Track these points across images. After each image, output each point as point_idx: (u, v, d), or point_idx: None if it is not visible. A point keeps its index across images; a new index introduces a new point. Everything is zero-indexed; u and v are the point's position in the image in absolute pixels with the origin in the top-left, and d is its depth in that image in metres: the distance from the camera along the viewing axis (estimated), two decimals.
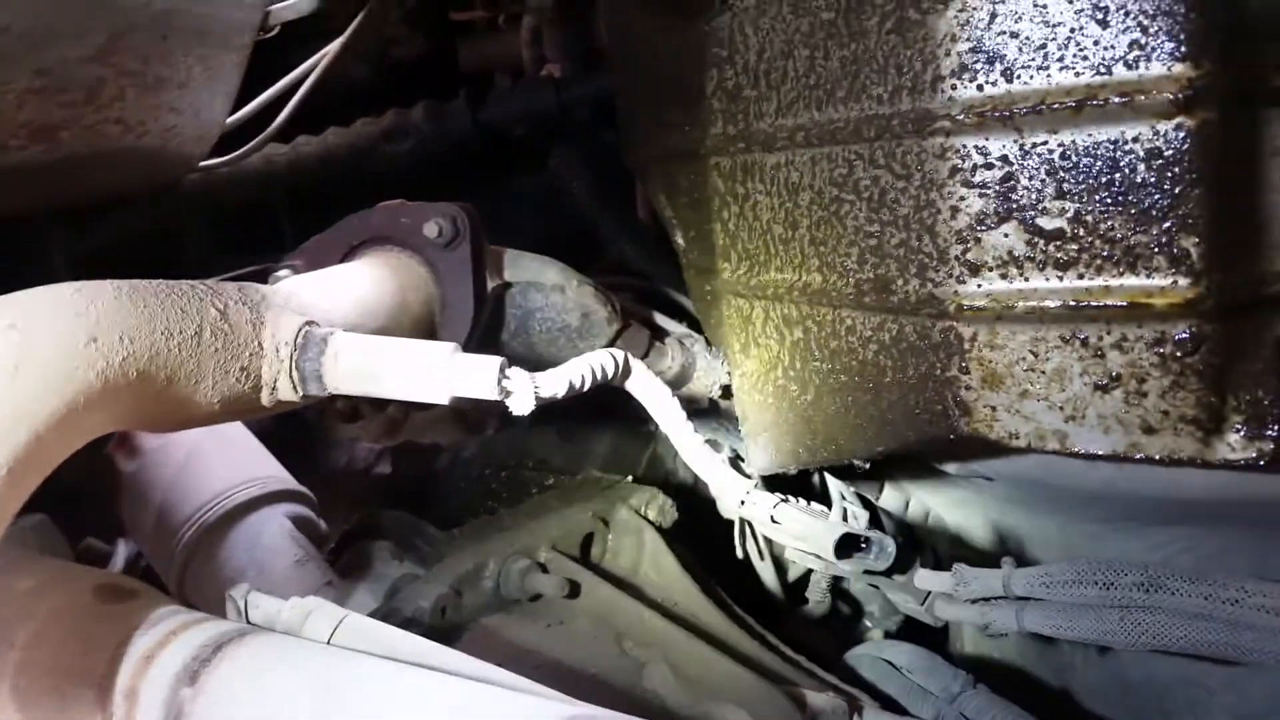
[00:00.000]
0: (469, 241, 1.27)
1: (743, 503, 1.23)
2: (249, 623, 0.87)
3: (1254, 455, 0.83)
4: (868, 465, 1.13)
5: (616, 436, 1.80)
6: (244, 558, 1.30)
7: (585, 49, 1.90)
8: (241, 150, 1.60)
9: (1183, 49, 0.79)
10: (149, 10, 1.00)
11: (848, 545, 1.11)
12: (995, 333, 0.89)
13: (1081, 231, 0.84)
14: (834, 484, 1.46)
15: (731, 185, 1.16)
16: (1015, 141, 0.85)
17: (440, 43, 2.22)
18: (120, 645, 0.81)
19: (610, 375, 1.10)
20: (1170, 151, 0.80)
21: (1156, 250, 0.82)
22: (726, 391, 1.51)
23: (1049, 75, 0.83)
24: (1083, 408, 0.87)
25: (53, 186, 1.24)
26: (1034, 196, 0.85)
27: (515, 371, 0.96)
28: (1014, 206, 0.86)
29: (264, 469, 1.39)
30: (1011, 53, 0.85)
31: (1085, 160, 0.83)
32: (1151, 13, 0.80)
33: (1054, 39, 0.83)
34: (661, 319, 1.65)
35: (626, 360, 1.13)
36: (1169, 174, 0.80)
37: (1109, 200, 0.82)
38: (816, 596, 1.45)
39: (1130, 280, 0.83)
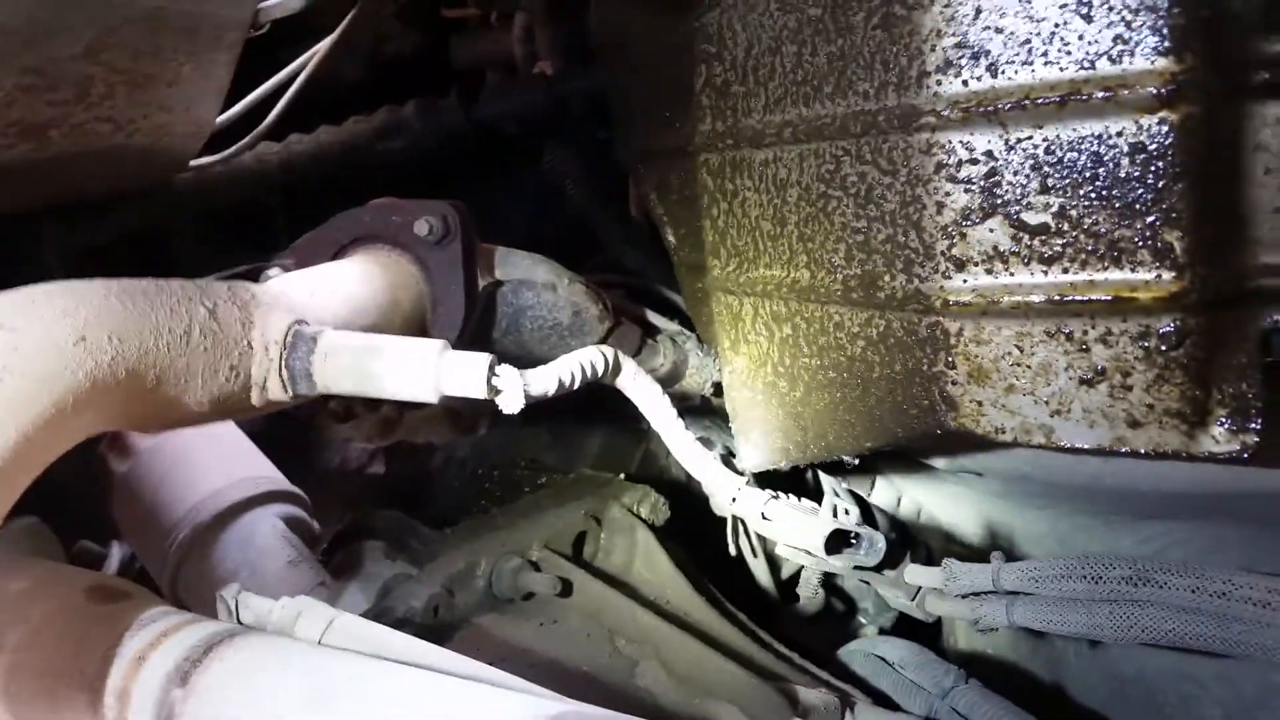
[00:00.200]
0: (460, 239, 1.27)
1: (734, 500, 1.23)
2: (240, 623, 0.87)
3: (1238, 448, 0.84)
4: (857, 461, 1.13)
5: (609, 435, 1.80)
6: (237, 558, 1.30)
7: (577, 46, 1.89)
8: (233, 148, 1.60)
9: (1166, 44, 0.79)
10: (138, 8, 1.00)
11: (838, 541, 1.12)
12: (981, 328, 0.89)
13: (1066, 226, 0.84)
14: (826, 480, 1.46)
15: (720, 182, 1.17)
16: (1000, 136, 0.85)
17: (433, 40, 2.22)
18: (112, 646, 0.81)
19: (600, 372, 1.10)
20: (1154, 146, 0.80)
21: (1141, 244, 0.82)
22: (719, 389, 1.51)
23: (1033, 70, 0.84)
24: (1068, 402, 0.87)
25: (43, 185, 1.24)
26: (1019, 191, 0.85)
27: (505, 369, 0.96)
28: (999, 201, 0.86)
29: (256, 469, 1.39)
30: (996, 48, 0.85)
31: (1069, 155, 0.83)
32: (1135, 8, 0.80)
33: (1038, 34, 0.84)
34: (654, 316, 1.65)
35: (617, 357, 1.13)
36: (1153, 168, 0.81)
37: (1093, 195, 0.83)
38: (808, 592, 1.45)
39: (1114, 274, 0.83)
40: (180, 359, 0.87)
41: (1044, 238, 0.85)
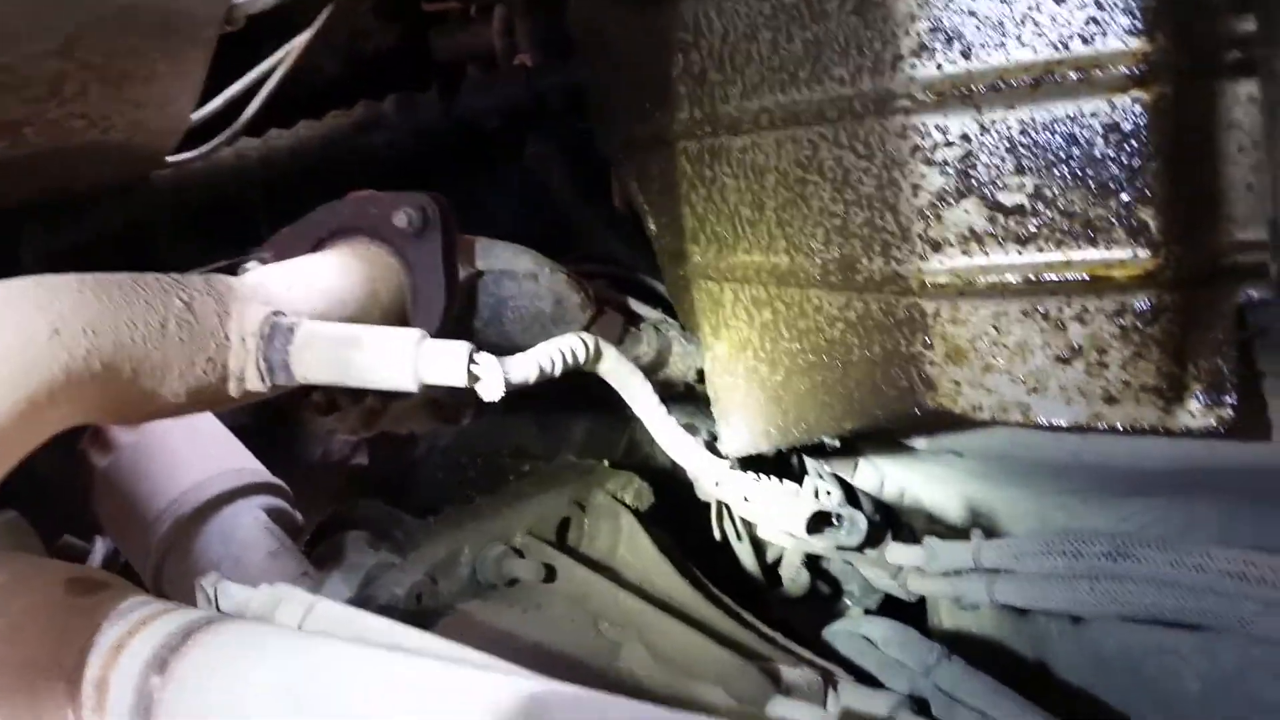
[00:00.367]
0: (439, 230, 1.27)
1: (717, 484, 1.24)
2: (220, 611, 0.87)
3: (1214, 423, 0.84)
4: (838, 443, 1.14)
5: (594, 423, 1.80)
6: (219, 551, 1.30)
7: (558, 38, 1.89)
8: (211, 144, 1.59)
9: (1138, 24, 0.80)
10: (111, 4, 1.00)
11: (820, 522, 1.12)
12: (958, 308, 0.90)
13: (1041, 206, 0.85)
14: (809, 464, 1.47)
15: (699, 169, 1.17)
16: (974, 119, 0.86)
17: (413, 34, 2.21)
18: (91, 637, 0.81)
19: (581, 359, 1.10)
20: (1127, 125, 0.81)
21: (1115, 223, 0.82)
22: (703, 376, 1.52)
23: (1007, 52, 0.84)
24: (1045, 380, 0.88)
25: (19, 182, 1.23)
26: (994, 173, 0.86)
27: (484, 356, 0.96)
28: (974, 183, 0.87)
29: (238, 462, 1.39)
30: (970, 31, 0.85)
31: (1044, 136, 0.84)
32: None
33: (1011, 16, 0.84)
34: (637, 305, 1.65)
35: (597, 344, 1.13)
36: (1126, 147, 0.81)
37: (1068, 175, 0.83)
38: (790, 574, 1.45)
39: (1090, 253, 0.84)
40: (156, 351, 0.87)
41: (1019, 218, 0.86)
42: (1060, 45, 0.82)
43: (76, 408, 0.84)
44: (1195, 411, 0.85)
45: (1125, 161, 0.81)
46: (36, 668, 0.81)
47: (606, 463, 1.60)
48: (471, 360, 0.94)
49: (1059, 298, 0.86)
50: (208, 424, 1.43)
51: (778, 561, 1.61)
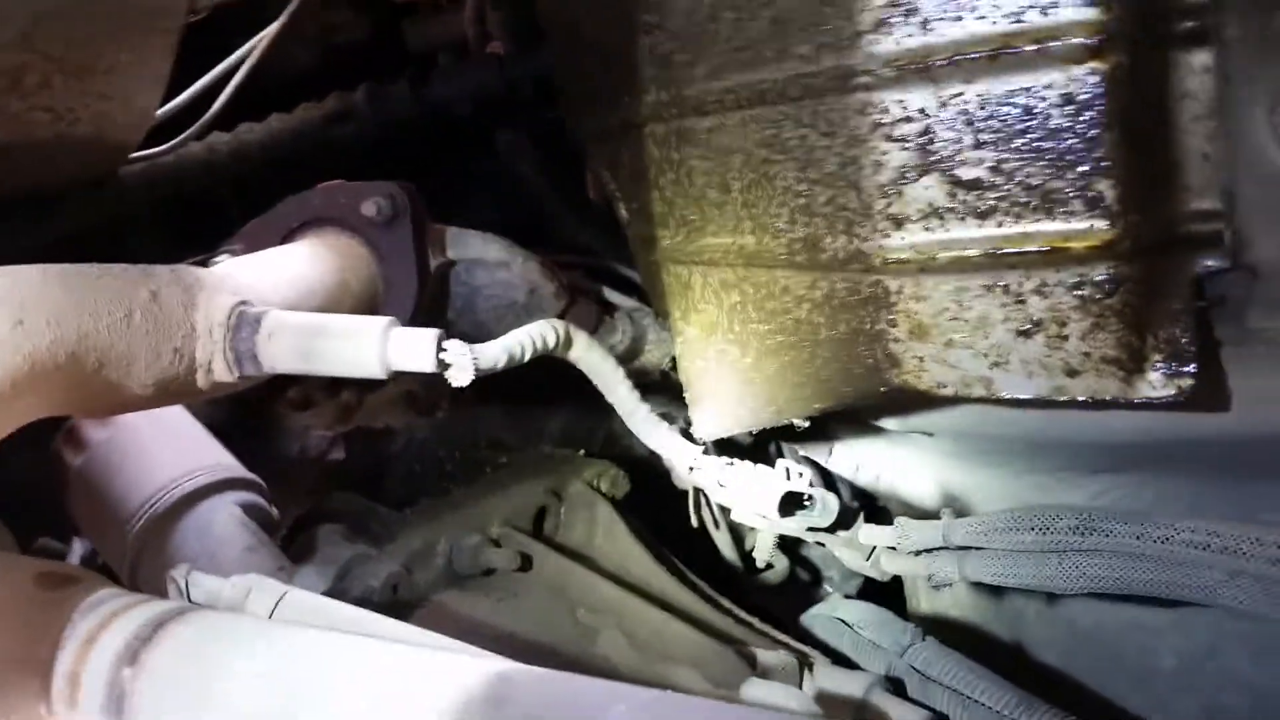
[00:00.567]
0: (409, 219, 1.27)
1: (691, 469, 1.24)
2: (191, 602, 0.87)
3: (1174, 392, 0.85)
4: (807, 424, 1.14)
5: (572, 414, 1.80)
6: (195, 547, 1.29)
7: (529, 26, 1.88)
8: (180, 137, 1.59)
9: None
10: None
11: (791, 503, 1.13)
12: (920, 284, 0.90)
13: (999, 180, 0.85)
14: (784, 447, 1.47)
15: (667, 152, 1.17)
16: (933, 94, 0.86)
17: (385, 25, 2.20)
18: (62, 630, 0.81)
19: (551, 345, 1.10)
20: (1083, 96, 0.81)
21: (1073, 195, 0.83)
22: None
23: (964, 25, 0.84)
24: (1006, 354, 0.89)
25: None
26: (953, 148, 0.86)
27: (453, 343, 0.96)
28: (934, 158, 0.87)
29: (213, 458, 1.38)
30: (927, 5, 0.85)
31: (1001, 109, 0.84)
32: None
33: None
34: (611, 293, 1.65)
35: (568, 331, 1.14)
36: (1083, 119, 0.82)
37: (1025, 148, 0.84)
38: (764, 555, 1.46)
39: (1048, 225, 0.84)
40: (122, 342, 0.87)
41: (979, 192, 0.86)
42: (1016, 17, 0.82)
43: (42, 399, 0.84)
44: (1155, 382, 0.86)
45: (1082, 133, 0.81)
46: (8, 662, 0.81)
47: (582, 453, 1.60)
48: (440, 347, 0.94)
49: (1019, 271, 0.86)
50: (182, 420, 1.42)
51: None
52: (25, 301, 0.81)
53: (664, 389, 1.64)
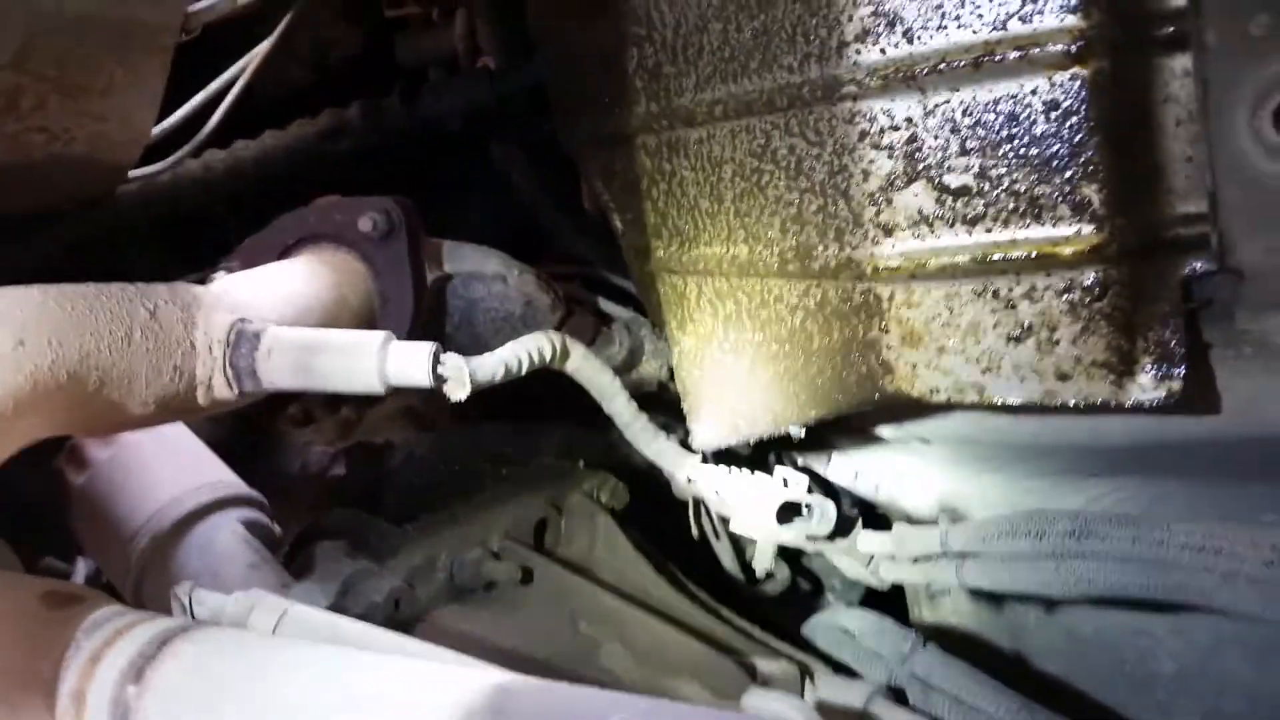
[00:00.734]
0: (404, 234, 1.28)
1: (690, 479, 1.25)
2: (194, 619, 0.87)
3: (1164, 395, 0.86)
4: (803, 433, 1.15)
5: (572, 427, 1.80)
6: (198, 565, 1.30)
7: (520, 40, 1.89)
8: (175, 156, 1.59)
9: (1073, 1, 0.81)
10: (62, 15, 1.00)
11: (789, 512, 1.13)
12: (911, 291, 0.91)
13: (986, 186, 0.86)
14: (784, 456, 1.48)
15: (658, 163, 1.18)
16: (919, 102, 0.87)
17: (377, 41, 2.22)
18: (67, 649, 0.82)
19: (548, 357, 1.11)
20: (1067, 102, 0.82)
21: (1060, 200, 0.84)
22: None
23: (947, 34, 0.85)
24: (998, 359, 0.89)
25: None
26: (939, 155, 0.87)
27: (449, 356, 0.97)
28: (921, 166, 0.88)
29: (214, 475, 1.39)
30: (911, 14, 0.86)
31: (986, 116, 0.85)
32: None
33: None
34: (607, 305, 1.66)
35: (564, 343, 1.14)
36: (1067, 124, 0.83)
37: (1011, 154, 0.85)
38: (764, 564, 1.46)
39: (1036, 231, 0.85)
40: (122, 360, 0.87)
41: (966, 199, 0.87)
42: (999, 25, 0.83)
43: (44, 419, 0.85)
44: (1146, 385, 0.87)
45: (1066, 138, 0.82)
46: (13, 680, 0.81)
47: (582, 464, 1.60)
48: (437, 360, 0.95)
49: (1008, 277, 0.87)
50: (184, 438, 1.43)
51: None
52: (26, 322, 0.82)
53: (662, 399, 1.64)
